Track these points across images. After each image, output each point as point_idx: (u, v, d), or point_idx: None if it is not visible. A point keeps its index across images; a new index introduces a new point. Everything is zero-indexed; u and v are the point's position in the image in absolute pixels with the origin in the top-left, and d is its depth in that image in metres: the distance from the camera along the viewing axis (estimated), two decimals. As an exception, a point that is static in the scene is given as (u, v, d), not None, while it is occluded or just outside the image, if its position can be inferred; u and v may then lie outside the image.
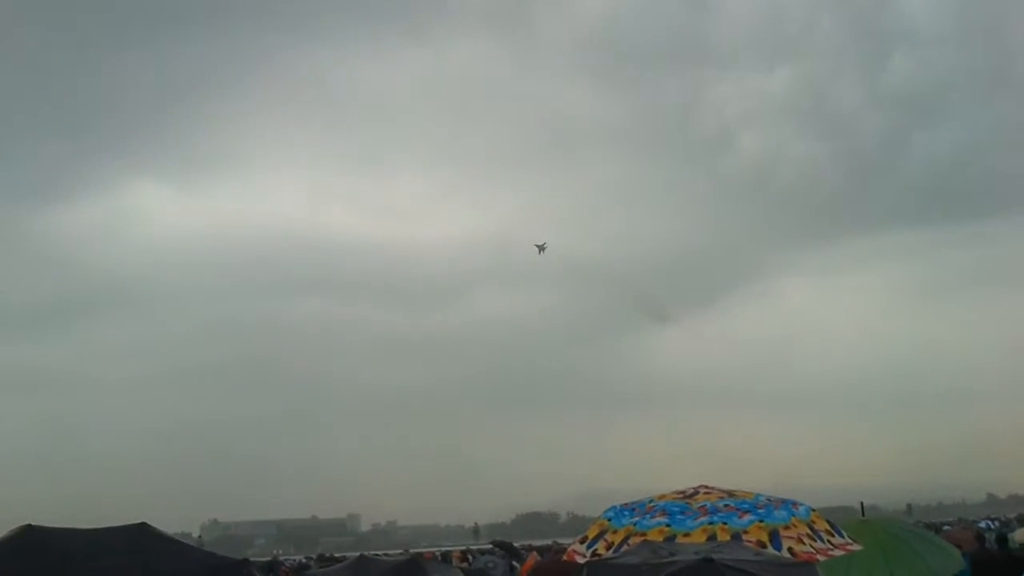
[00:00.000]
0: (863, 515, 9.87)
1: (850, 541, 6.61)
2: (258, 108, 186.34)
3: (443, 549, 38.46)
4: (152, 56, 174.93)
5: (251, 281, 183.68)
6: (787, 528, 6.20)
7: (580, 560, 6.46)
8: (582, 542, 6.80)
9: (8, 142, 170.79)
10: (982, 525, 30.63)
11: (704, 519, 6.24)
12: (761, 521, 6.20)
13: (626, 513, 6.64)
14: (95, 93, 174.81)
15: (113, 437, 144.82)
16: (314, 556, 37.89)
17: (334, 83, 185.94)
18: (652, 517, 6.42)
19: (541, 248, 61.15)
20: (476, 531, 67.40)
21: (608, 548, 6.41)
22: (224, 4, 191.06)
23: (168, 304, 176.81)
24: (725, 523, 6.17)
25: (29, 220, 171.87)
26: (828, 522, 6.64)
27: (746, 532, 6.08)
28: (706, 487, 6.78)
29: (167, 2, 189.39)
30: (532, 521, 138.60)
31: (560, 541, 30.59)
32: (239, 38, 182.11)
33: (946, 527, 31.10)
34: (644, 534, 6.22)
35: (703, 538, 5.93)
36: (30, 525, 5.97)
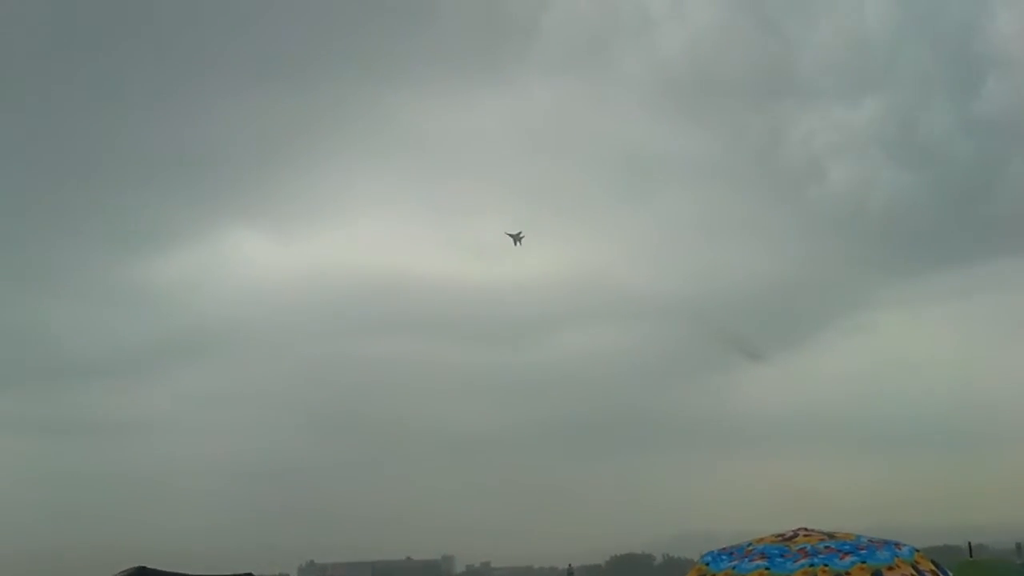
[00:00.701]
0: (970, 555, 9.64)
1: (957, 583, 6.48)
2: (352, 157, 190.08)
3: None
4: (252, 107, 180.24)
5: (345, 324, 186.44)
6: (891, 569, 6.11)
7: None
8: (680, 587, 6.79)
9: (110, 193, 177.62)
10: (1098, 564, 29.27)
11: (804, 561, 6.18)
12: (863, 563, 6.12)
13: (724, 558, 6.61)
14: (195, 144, 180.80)
15: (212, 480, 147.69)
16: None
17: (423, 130, 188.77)
18: (751, 561, 6.38)
19: (516, 238, 58.99)
20: (571, 573, 66.63)
21: (707, 593, 6.40)
22: (318, 58, 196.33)
23: (265, 348, 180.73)
24: (826, 565, 6.11)
25: (130, 268, 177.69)
26: (933, 563, 6.51)
27: (848, 574, 6.01)
28: (805, 529, 6.71)
29: (267, 55, 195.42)
30: (627, 563, 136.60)
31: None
32: (334, 90, 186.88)
33: (1060, 566, 29.88)
34: (744, 578, 6.19)
35: (804, 581, 5.89)
36: (143, 567, 6.24)
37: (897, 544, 6.47)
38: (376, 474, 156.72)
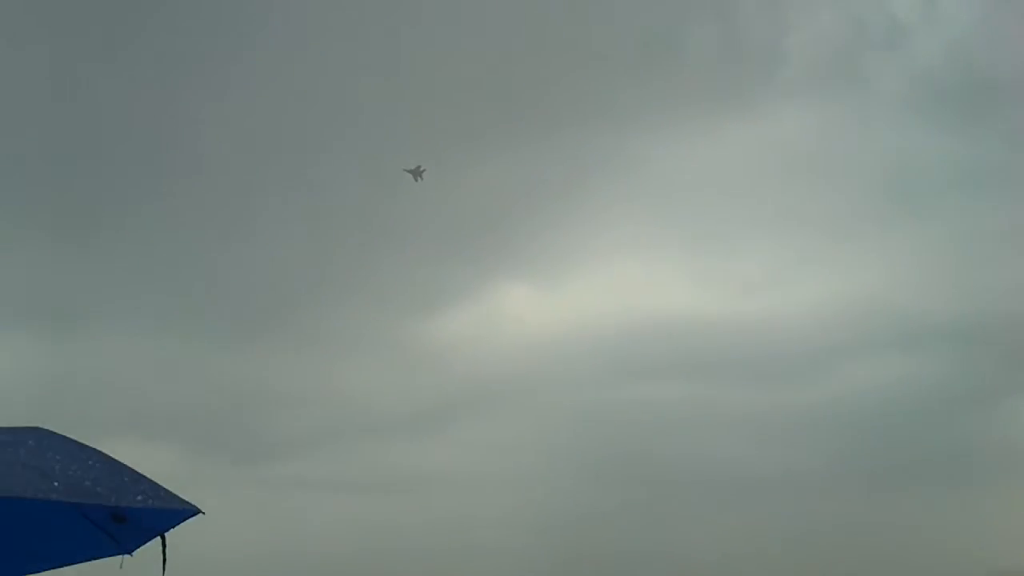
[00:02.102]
0: None
1: None
2: (601, 202, 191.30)
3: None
4: (509, 166, 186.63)
5: (613, 370, 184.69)
6: None
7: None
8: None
9: (383, 261, 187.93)
10: None
11: None
12: None
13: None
14: (457, 207, 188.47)
15: (496, 530, 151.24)
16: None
17: (670, 168, 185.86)
18: None
19: (415, 173, 55.00)
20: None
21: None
22: (559, 108, 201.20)
23: (540, 398, 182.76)
24: None
25: (406, 330, 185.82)
26: None
27: None
28: None
29: (513, 117, 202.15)
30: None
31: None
32: (576, 138, 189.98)
33: None
34: None
35: None
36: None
37: None
38: (659, 519, 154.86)
